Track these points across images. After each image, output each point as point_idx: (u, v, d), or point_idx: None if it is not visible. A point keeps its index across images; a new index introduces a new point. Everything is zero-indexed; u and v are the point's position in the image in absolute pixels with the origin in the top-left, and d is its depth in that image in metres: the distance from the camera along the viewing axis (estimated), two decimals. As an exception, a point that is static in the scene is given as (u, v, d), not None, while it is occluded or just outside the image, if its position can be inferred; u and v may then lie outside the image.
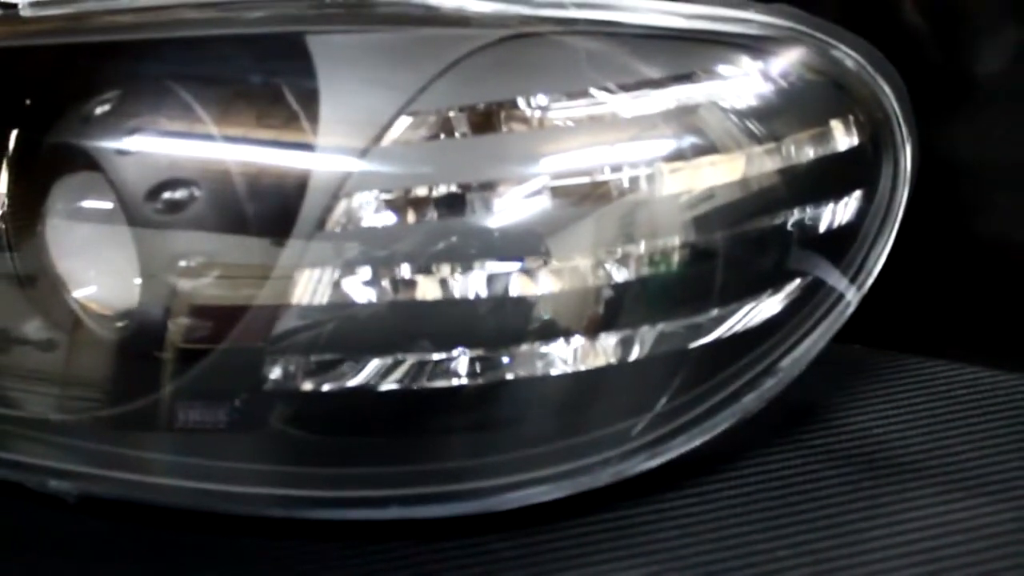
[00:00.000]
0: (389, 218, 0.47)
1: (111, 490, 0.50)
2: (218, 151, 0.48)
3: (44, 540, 0.50)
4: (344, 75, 0.47)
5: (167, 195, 0.48)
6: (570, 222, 0.47)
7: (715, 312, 0.50)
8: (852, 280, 0.52)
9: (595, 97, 0.48)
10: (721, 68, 0.50)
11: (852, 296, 0.52)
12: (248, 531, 0.50)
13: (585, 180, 0.48)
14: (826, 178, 0.51)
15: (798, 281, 0.51)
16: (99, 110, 0.49)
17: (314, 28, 0.48)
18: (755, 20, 0.50)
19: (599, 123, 0.48)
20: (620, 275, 0.48)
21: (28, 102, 0.50)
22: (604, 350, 0.49)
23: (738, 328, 0.50)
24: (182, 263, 0.48)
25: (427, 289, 0.47)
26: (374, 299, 0.47)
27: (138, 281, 0.49)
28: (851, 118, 0.51)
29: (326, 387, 0.47)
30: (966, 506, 0.48)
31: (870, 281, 0.53)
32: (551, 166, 0.47)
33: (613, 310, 0.48)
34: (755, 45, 0.50)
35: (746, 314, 0.51)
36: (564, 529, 0.49)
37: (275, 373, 0.47)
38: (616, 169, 0.48)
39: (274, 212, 0.47)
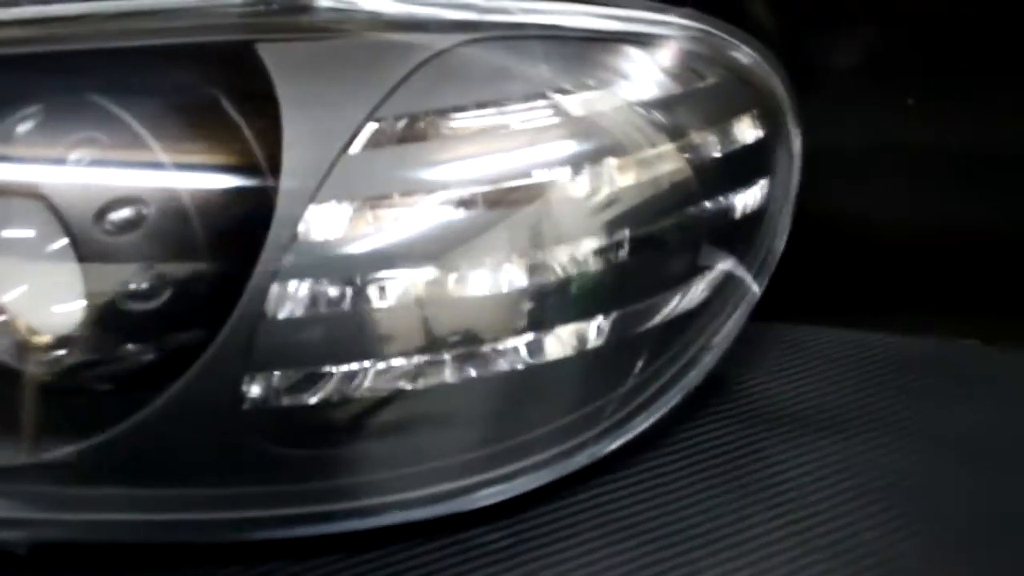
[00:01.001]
0: (360, 225, 0.46)
1: (66, 534, 0.47)
2: (169, 169, 0.46)
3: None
4: (306, 84, 0.46)
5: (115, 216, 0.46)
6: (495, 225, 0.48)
7: (656, 298, 0.52)
8: (762, 262, 0.56)
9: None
10: (633, 68, 0.52)
11: (762, 278, 0.56)
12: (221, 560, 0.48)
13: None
14: (736, 169, 0.54)
15: (721, 265, 0.54)
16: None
17: (266, 36, 0.47)
18: (663, 21, 0.53)
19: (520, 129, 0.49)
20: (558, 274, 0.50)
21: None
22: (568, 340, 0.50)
23: (678, 311, 0.53)
24: (132, 286, 0.46)
25: (394, 295, 0.47)
26: (349, 308, 0.46)
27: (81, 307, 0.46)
28: (754, 111, 0.55)
29: (312, 400, 0.46)
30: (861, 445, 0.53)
31: (775, 261, 0.56)
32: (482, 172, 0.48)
33: (561, 305, 0.50)
34: (664, 45, 0.52)
35: (681, 299, 0.53)
36: (533, 518, 0.50)
37: (254, 391, 0.46)
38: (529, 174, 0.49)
39: (240, 229, 0.46)
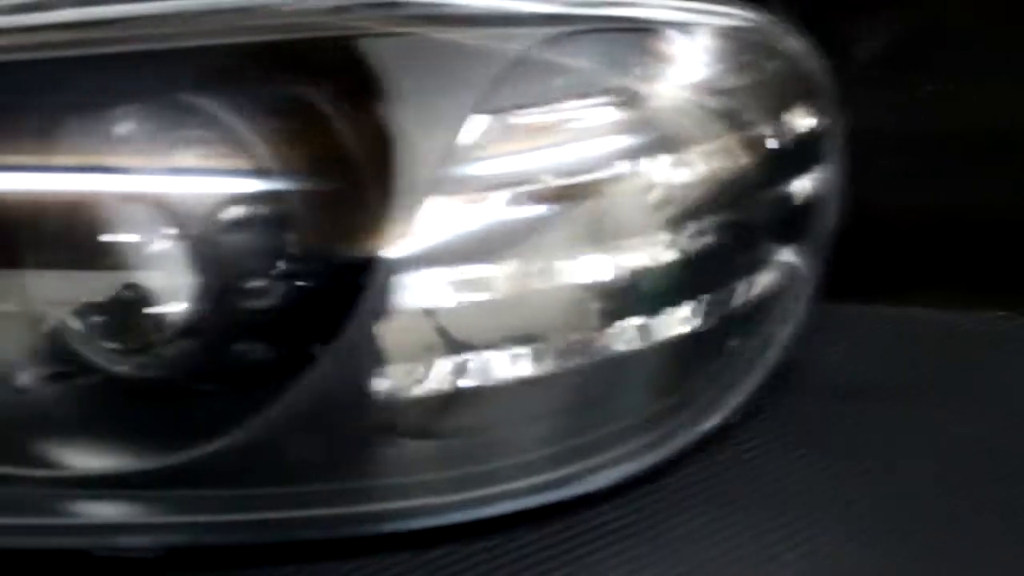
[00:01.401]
0: (475, 217, 0.47)
1: (194, 537, 0.47)
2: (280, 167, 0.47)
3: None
4: (415, 78, 0.47)
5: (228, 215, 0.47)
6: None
7: (734, 284, 0.54)
8: (820, 246, 0.58)
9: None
10: (706, 58, 0.54)
11: (821, 261, 0.58)
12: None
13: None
14: (796, 157, 0.56)
15: (786, 251, 0.56)
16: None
17: (368, 31, 0.48)
18: (725, 11, 0.55)
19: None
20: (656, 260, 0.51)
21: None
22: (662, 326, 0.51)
23: (753, 296, 0.55)
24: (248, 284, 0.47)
25: (509, 283, 0.48)
26: (468, 298, 0.47)
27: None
28: (808, 99, 0.57)
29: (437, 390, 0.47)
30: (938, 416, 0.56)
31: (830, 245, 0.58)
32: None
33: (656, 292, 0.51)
34: (733, 34, 0.54)
35: (757, 284, 0.55)
36: (640, 499, 0.51)
37: (381, 384, 0.47)
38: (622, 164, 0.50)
39: (356, 223, 0.47)
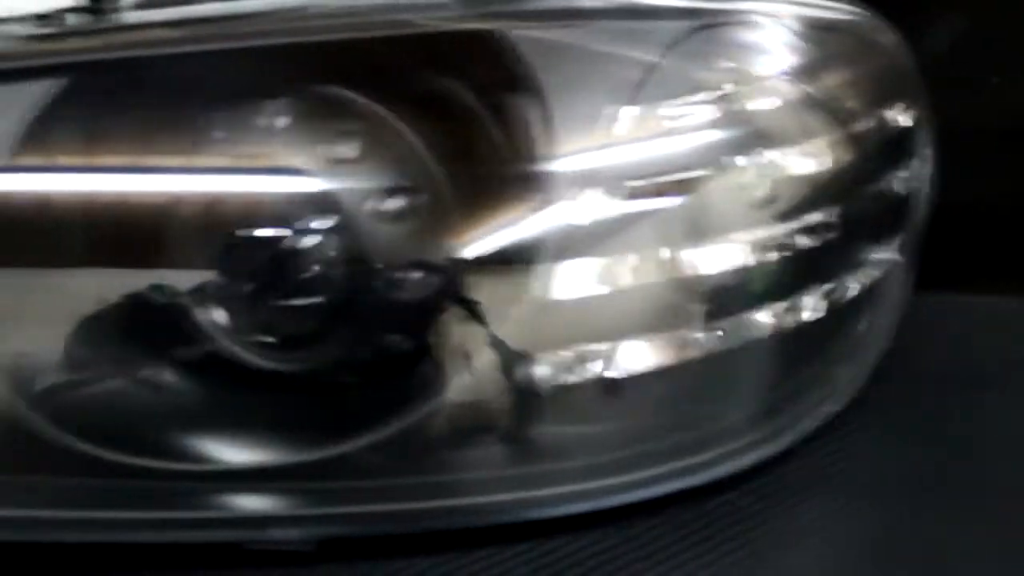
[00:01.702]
0: (627, 207, 0.48)
1: (345, 528, 0.47)
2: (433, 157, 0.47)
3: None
4: (565, 70, 0.48)
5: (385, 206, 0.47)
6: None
7: (845, 277, 0.55)
8: (914, 240, 0.59)
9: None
10: (817, 53, 0.55)
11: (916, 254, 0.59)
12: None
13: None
14: (896, 151, 0.58)
15: (888, 245, 0.57)
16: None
17: (516, 24, 0.48)
18: (826, 6, 0.56)
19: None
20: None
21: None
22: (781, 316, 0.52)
23: (859, 288, 0.56)
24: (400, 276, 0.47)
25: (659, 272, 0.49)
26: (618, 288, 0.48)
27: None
28: (905, 93, 0.58)
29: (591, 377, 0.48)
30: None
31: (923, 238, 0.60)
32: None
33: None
34: (842, 29, 0.55)
35: (861, 278, 0.56)
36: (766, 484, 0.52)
37: (537, 372, 0.47)
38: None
39: (508, 215, 0.47)
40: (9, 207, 0.46)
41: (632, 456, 0.49)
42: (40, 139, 0.45)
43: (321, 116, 0.46)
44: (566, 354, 0.48)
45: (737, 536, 0.50)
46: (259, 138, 0.46)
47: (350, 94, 0.47)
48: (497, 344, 0.47)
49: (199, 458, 0.47)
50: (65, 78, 0.45)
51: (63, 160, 0.46)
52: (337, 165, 0.46)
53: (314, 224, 0.46)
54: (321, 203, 0.46)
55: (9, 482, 0.46)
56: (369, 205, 0.46)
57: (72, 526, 0.46)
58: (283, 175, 0.47)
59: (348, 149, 0.47)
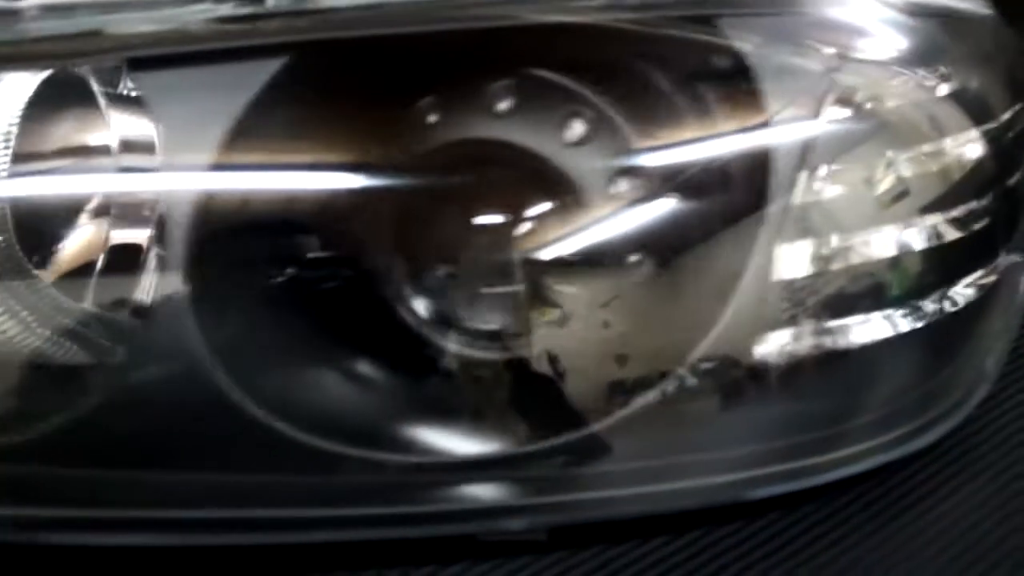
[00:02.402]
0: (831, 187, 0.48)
1: (570, 516, 0.46)
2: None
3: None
4: (775, 55, 0.48)
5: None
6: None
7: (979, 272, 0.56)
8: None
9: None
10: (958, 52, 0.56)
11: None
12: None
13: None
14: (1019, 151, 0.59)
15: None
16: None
17: (725, 12, 0.48)
18: (958, 4, 0.57)
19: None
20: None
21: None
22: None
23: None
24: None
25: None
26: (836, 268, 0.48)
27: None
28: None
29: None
30: None
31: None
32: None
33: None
34: (975, 28, 0.57)
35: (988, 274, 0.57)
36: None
37: (766, 350, 0.47)
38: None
39: (739, 196, 0.47)
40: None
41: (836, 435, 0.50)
42: (259, 122, 0.44)
43: (546, 100, 0.46)
44: (797, 329, 0.48)
45: (872, 533, 0.50)
46: (489, 122, 0.46)
47: (569, 79, 0.46)
48: (731, 324, 0.47)
49: (430, 451, 0.45)
50: (287, 58, 0.44)
51: (283, 146, 0.44)
52: (568, 147, 0.46)
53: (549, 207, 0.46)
54: (556, 185, 0.46)
55: (250, 482, 0.44)
56: (600, 186, 0.46)
57: (308, 525, 0.45)
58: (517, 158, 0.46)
59: (574, 132, 0.46)
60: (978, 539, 0.50)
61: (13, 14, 0.44)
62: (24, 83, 0.45)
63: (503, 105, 0.46)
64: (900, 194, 0.52)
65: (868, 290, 0.50)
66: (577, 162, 0.46)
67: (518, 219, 0.46)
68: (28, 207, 0.44)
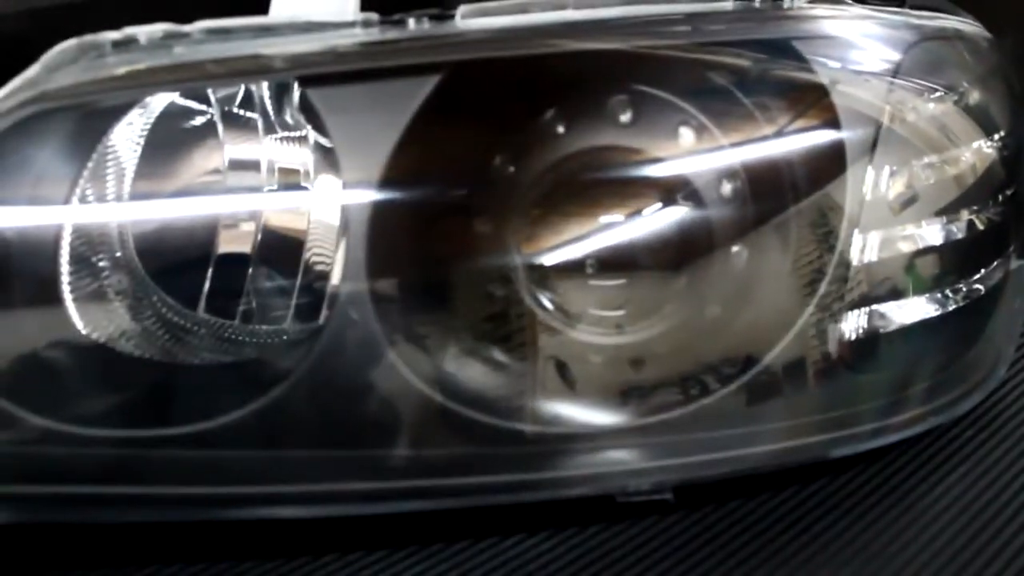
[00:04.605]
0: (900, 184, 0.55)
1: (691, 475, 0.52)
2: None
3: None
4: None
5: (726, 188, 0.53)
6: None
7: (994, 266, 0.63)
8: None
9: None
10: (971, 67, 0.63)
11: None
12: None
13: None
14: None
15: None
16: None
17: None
18: (967, 22, 0.64)
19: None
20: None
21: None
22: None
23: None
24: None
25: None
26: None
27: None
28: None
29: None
30: None
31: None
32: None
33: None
34: (979, 41, 0.63)
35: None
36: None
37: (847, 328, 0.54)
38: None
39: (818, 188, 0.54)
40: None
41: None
42: (422, 133, 0.49)
43: (657, 112, 0.52)
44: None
45: (889, 508, 0.55)
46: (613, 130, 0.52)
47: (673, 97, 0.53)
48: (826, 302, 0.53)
49: (564, 422, 0.51)
50: (441, 75, 0.49)
51: (442, 153, 0.50)
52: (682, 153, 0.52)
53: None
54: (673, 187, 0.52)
55: (405, 455, 0.50)
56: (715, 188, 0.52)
57: (449, 492, 0.51)
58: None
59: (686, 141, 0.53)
60: (989, 513, 0.54)
61: (185, 36, 0.49)
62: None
63: (623, 117, 0.52)
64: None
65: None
66: (690, 167, 0.52)
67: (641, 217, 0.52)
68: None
